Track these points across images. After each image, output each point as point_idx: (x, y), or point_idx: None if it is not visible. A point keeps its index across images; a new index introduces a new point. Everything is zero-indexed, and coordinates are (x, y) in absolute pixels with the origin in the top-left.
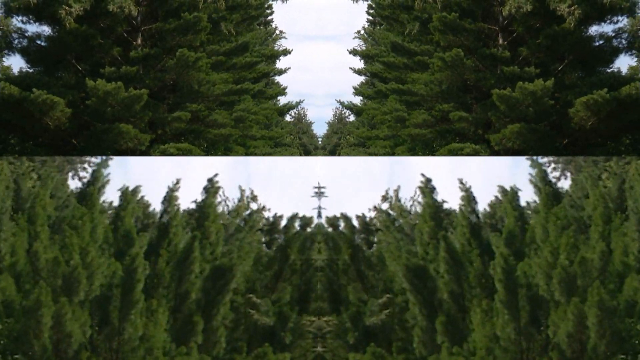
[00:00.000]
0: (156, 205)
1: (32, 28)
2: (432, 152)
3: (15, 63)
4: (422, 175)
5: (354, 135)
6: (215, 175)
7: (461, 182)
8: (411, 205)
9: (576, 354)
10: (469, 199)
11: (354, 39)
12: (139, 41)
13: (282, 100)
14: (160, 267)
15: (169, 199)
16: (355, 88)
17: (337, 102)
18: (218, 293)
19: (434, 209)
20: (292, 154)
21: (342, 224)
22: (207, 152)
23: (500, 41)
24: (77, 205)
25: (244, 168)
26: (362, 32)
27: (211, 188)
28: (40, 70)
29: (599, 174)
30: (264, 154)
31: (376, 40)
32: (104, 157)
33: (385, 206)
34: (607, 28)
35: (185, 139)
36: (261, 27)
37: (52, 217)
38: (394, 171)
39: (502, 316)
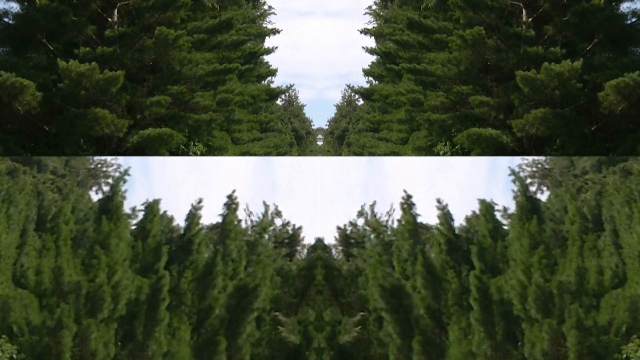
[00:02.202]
0: (179, 214)
1: None
2: (450, 137)
3: None
4: (404, 191)
5: (365, 120)
6: (234, 191)
7: (438, 201)
8: (387, 221)
9: None
10: (446, 217)
11: (364, 14)
12: (115, 18)
13: (278, 80)
14: (182, 285)
15: (192, 217)
16: (364, 70)
17: (347, 86)
18: (242, 311)
19: (413, 226)
20: (282, 140)
21: None
22: (190, 137)
23: (524, 18)
24: (101, 222)
25: None
26: (374, 7)
27: (231, 204)
28: (8, 50)
29: (579, 187)
30: (251, 140)
31: (388, 18)
32: (121, 172)
33: (360, 222)
34: None
35: (166, 124)
36: (249, 3)
37: (74, 232)
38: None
39: (478, 333)
